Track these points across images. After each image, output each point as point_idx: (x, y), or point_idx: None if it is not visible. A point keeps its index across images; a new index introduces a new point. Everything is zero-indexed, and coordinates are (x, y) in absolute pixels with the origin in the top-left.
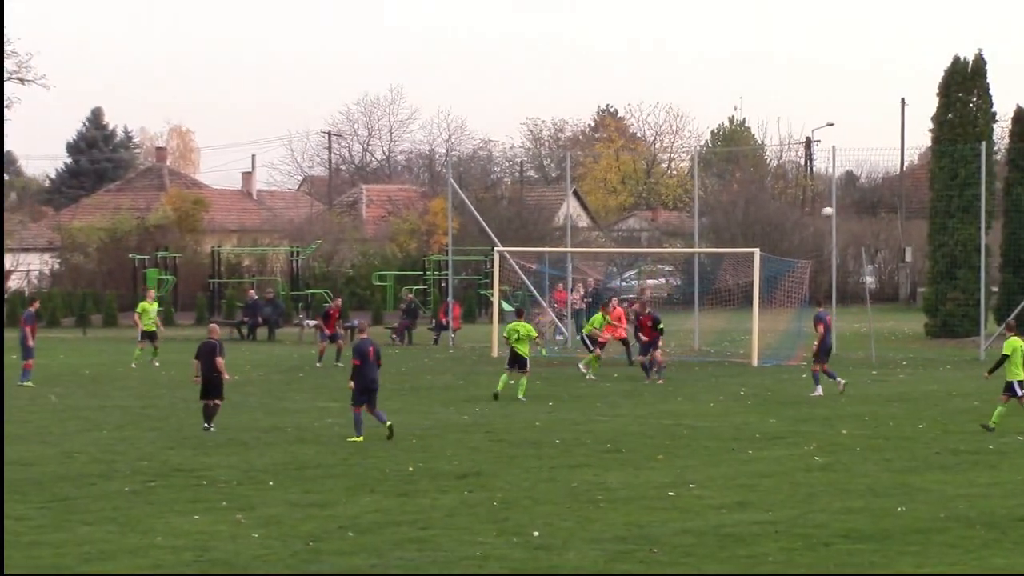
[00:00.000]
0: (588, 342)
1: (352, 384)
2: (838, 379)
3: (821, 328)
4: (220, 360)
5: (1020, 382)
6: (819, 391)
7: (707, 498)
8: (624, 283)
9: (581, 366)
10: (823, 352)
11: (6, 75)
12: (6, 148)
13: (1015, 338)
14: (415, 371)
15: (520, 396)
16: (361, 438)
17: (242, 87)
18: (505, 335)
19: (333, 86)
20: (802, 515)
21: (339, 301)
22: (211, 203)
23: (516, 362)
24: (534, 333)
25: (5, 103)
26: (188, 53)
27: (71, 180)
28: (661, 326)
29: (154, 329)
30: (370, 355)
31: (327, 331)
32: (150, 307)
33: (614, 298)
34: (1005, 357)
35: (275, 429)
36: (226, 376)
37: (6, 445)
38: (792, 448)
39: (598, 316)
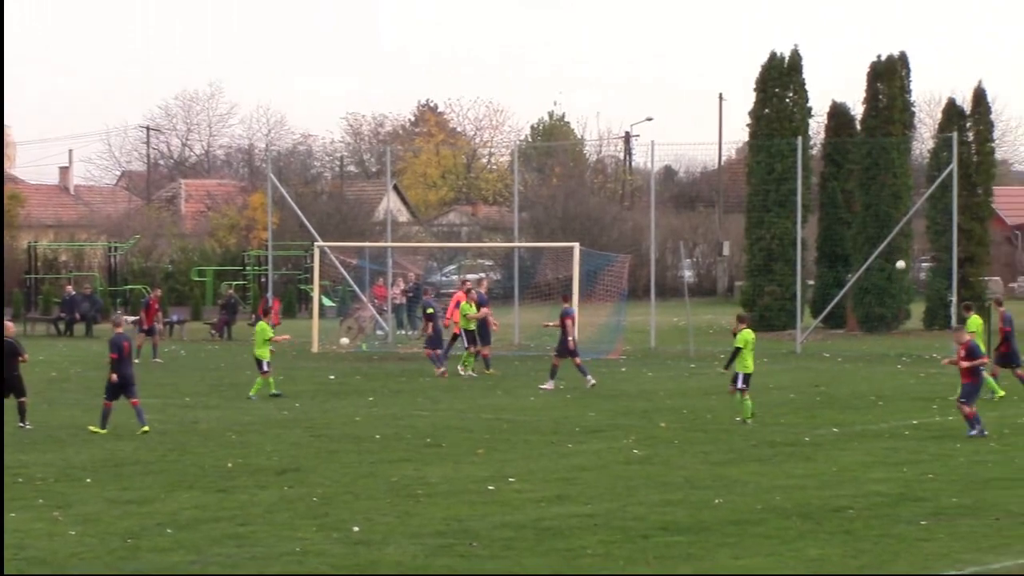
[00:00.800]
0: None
1: (114, 378)
2: (588, 377)
3: (569, 322)
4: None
5: (746, 375)
6: (550, 385)
7: (527, 492)
8: (444, 278)
9: (460, 368)
10: (565, 348)
11: None
12: None
13: (747, 330)
14: (234, 367)
15: (251, 394)
16: (104, 431)
17: (58, 80)
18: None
19: (151, 80)
20: (621, 508)
21: (158, 292)
22: (27, 198)
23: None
24: (270, 334)
25: None
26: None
27: None
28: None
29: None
30: (125, 350)
31: (145, 325)
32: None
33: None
34: (738, 350)
35: (92, 426)
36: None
37: None
38: (611, 441)
39: (468, 306)
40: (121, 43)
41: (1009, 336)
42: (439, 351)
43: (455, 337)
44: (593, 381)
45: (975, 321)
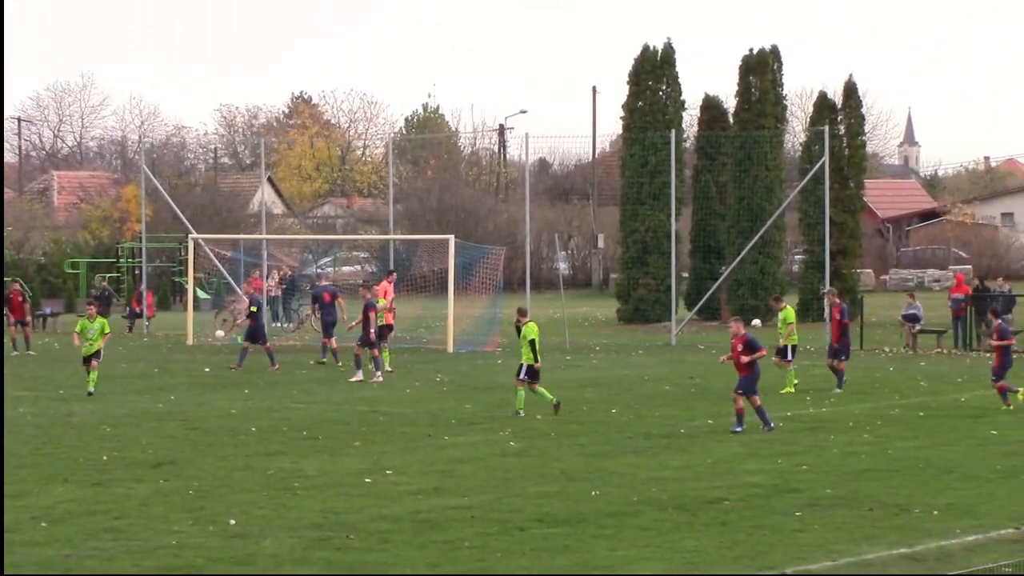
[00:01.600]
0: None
1: None
2: (379, 372)
3: (372, 314)
4: None
5: (530, 367)
6: (359, 376)
7: (403, 484)
8: (320, 270)
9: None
10: (367, 338)
11: None
12: None
13: (533, 324)
14: (109, 359)
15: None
16: None
17: None
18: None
19: (21, 71)
20: (498, 500)
21: (16, 285)
22: None
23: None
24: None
25: None
26: None
27: None
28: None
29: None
30: None
31: (14, 317)
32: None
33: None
34: (532, 342)
35: None
36: None
37: None
38: (488, 434)
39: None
40: None
41: (844, 329)
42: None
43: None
44: (381, 378)
45: (789, 313)
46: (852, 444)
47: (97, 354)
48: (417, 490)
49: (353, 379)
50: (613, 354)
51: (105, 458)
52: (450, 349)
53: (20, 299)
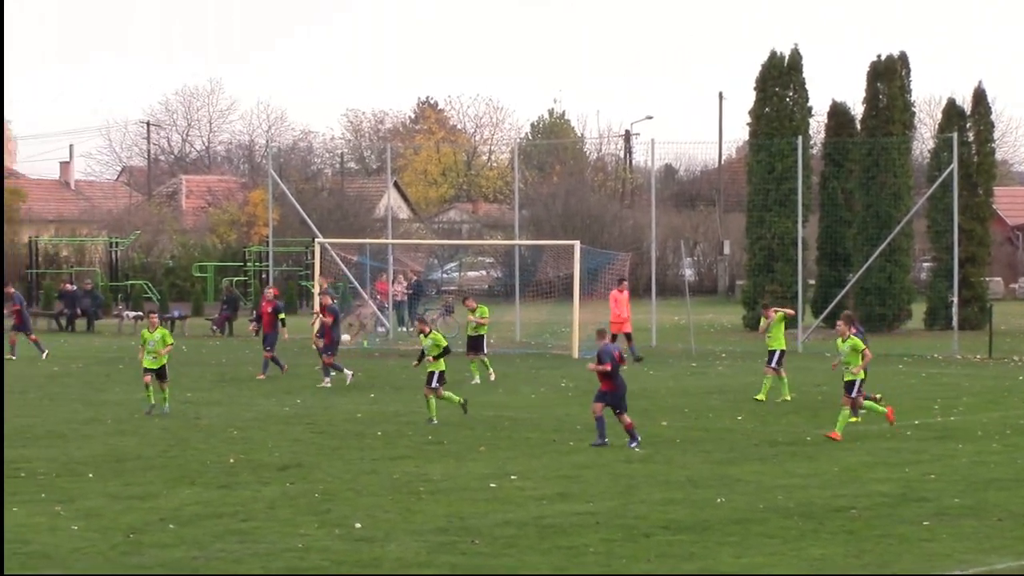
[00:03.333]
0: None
1: None
2: (346, 371)
3: (331, 319)
4: None
5: (441, 373)
6: (327, 382)
7: (528, 489)
8: (445, 275)
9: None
10: (334, 344)
11: None
12: None
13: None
14: (235, 362)
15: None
16: None
17: (58, 76)
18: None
19: (152, 76)
20: (623, 506)
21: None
22: (28, 193)
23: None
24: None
25: None
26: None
27: None
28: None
29: None
30: None
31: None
32: None
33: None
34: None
35: (94, 421)
36: None
37: None
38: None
39: (484, 308)
40: (122, 38)
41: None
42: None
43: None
44: (329, 384)
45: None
46: (981, 453)
47: (163, 370)
48: (542, 495)
49: (321, 385)
50: (739, 361)
51: (232, 461)
52: (575, 355)
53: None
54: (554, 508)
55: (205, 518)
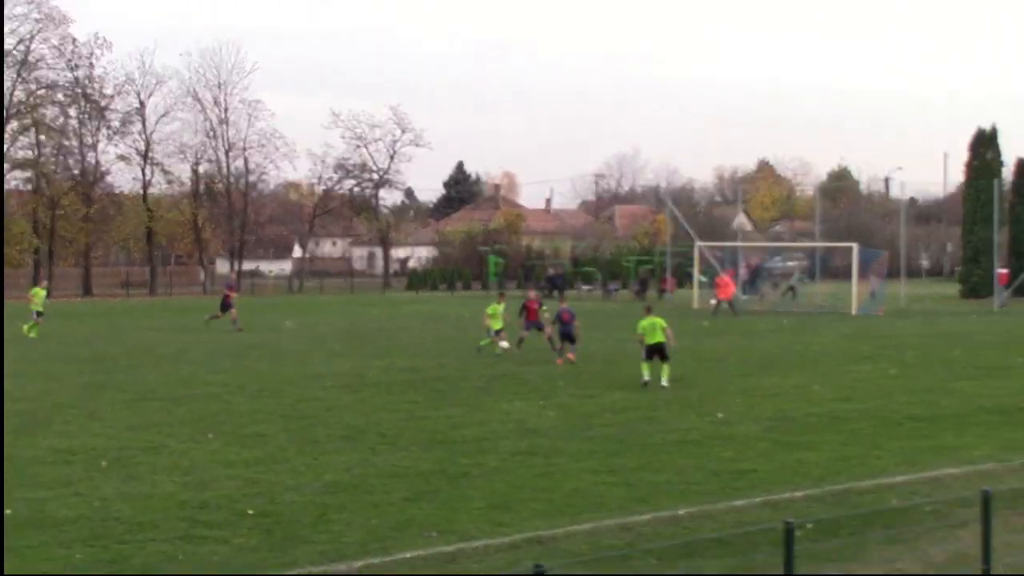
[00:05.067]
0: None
1: None
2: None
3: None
4: None
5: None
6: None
7: (824, 394)
8: (773, 264)
9: None
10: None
11: (409, 142)
12: (408, 184)
13: None
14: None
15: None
16: None
17: (542, 141)
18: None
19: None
20: (883, 405)
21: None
22: (526, 216)
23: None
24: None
25: (407, 158)
26: (518, 117)
27: (445, 203)
28: (545, 308)
29: (41, 310)
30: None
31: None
32: (41, 292)
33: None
34: None
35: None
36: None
37: (407, 358)
38: (876, 364)
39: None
40: (565, 120)
41: None
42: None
43: None
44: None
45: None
46: None
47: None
48: (832, 398)
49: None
50: (956, 317)
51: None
52: (853, 312)
53: (536, 306)
54: (840, 406)
55: (629, 409)
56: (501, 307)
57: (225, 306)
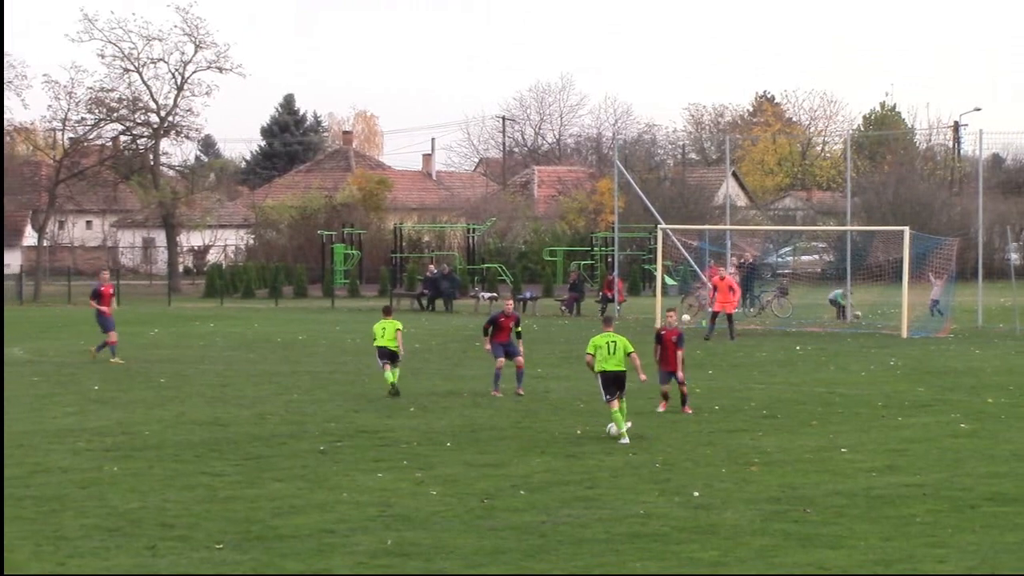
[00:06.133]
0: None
1: None
2: None
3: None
4: None
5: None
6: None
7: (858, 462)
8: (780, 259)
9: None
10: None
11: (207, 64)
12: (206, 131)
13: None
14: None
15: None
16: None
17: (421, 74)
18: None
19: (507, 73)
20: (949, 479)
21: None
22: (393, 183)
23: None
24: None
25: (205, 90)
26: (369, 42)
27: (264, 162)
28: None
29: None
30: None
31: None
32: None
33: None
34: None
35: (452, 394)
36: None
37: (205, 406)
38: (939, 415)
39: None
40: (479, 37)
41: None
42: None
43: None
44: None
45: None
46: None
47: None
48: (871, 467)
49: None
50: None
51: (578, 432)
52: (904, 335)
53: None
54: (883, 480)
55: (553, 485)
56: (398, 325)
57: None
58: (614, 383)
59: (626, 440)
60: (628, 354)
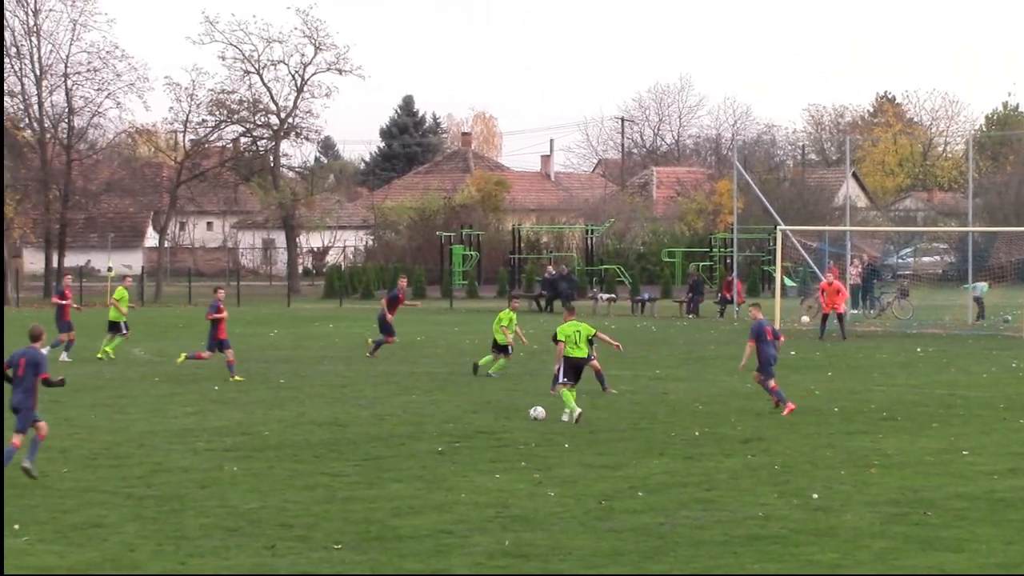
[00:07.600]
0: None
1: None
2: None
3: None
4: None
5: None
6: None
7: (979, 464)
8: (900, 260)
9: None
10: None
11: (326, 66)
12: (326, 132)
13: None
14: (701, 342)
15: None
16: None
17: (540, 76)
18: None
19: (626, 75)
20: None
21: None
22: (512, 184)
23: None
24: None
25: (325, 91)
26: (491, 44)
27: (384, 163)
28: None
29: (121, 319)
30: None
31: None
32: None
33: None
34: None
35: None
36: None
37: (324, 407)
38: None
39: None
40: (598, 39)
41: None
42: None
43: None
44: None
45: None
46: None
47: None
48: (993, 470)
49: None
50: None
51: (697, 433)
52: None
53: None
54: (1005, 483)
55: (671, 487)
56: (513, 316)
57: (64, 324)
58: (575, 369)
59: (567, 417)
60: (591, 338)
